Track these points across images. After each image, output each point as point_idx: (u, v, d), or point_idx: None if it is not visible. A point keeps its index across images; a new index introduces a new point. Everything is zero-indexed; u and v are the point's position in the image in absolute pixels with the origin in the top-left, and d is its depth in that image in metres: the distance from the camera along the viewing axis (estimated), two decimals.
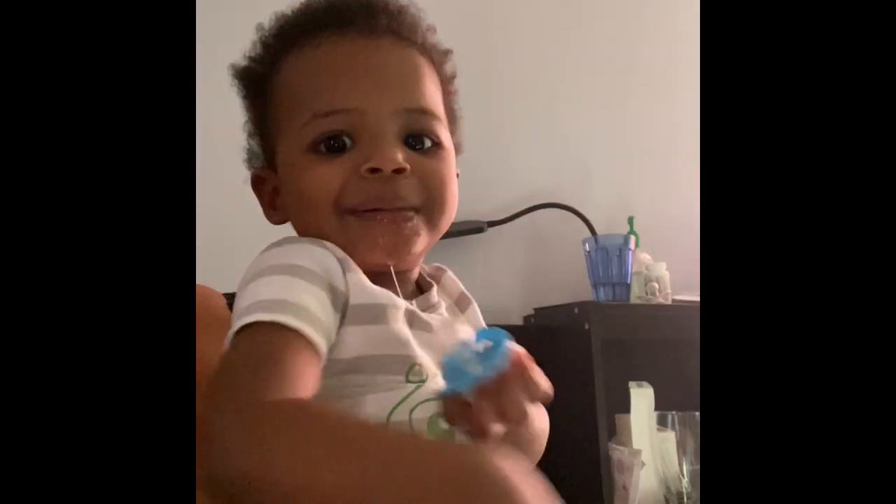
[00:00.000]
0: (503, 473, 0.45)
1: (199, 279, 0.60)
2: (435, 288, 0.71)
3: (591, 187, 1.81)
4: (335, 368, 0.57)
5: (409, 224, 0.64)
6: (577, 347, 1.48)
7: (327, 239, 0.64)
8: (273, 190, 0.70)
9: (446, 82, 0.72)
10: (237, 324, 0.54)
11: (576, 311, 1.51)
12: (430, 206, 0.65)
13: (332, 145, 0.63)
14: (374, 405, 0.58)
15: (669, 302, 1.61)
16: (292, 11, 0.70)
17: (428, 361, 0.61)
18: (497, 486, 0.45)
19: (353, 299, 0.59)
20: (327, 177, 0.63)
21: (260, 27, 0.71)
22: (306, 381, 0.52)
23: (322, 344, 0.55)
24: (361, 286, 0.60)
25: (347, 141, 0.64)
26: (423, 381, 0.59)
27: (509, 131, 1.74)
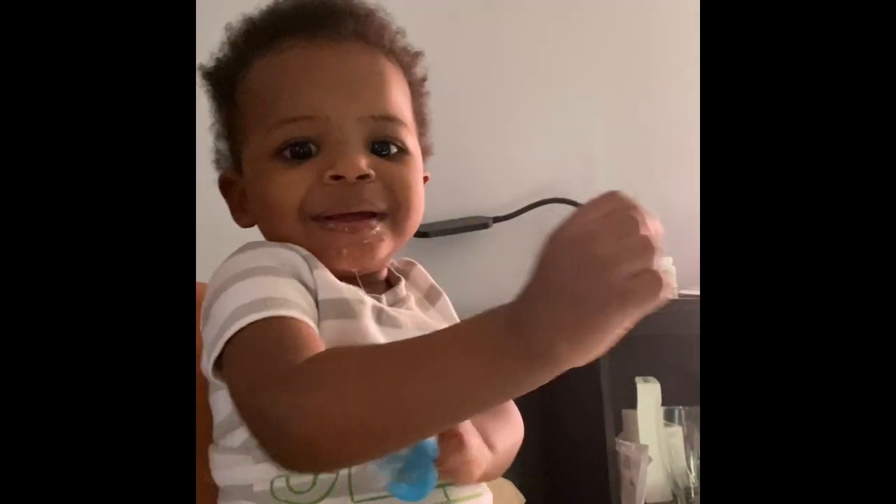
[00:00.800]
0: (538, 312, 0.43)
1: (200, 279, 0.60)
2: (403, 282, 0.71)
3: (596, 182, 1.80)
4: None
5: (373, 232, 0.64)
6: None
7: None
8: (241, 193, 0.70)
9: (415, 85, 0.73)
10: (228, 331, 0.54)
11: None
12: (395, 210, 0.65)
13: (298, 151, 0.64)
14: None
15: (676, 296, 1.60)
16: (259, 13, 0.70)
17: None
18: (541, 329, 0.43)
19: (321, 294, 0.59)
20: (291, 184, 0.63)
21: (228, 27, 0.71)
22: (321, 345, 0.53)
23: (314, 326, 0.56)
24: (328, 282, 0.60)
25: (312, 147, 0.64)
26: None
27: (514, 126, 1.74)
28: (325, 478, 0.56)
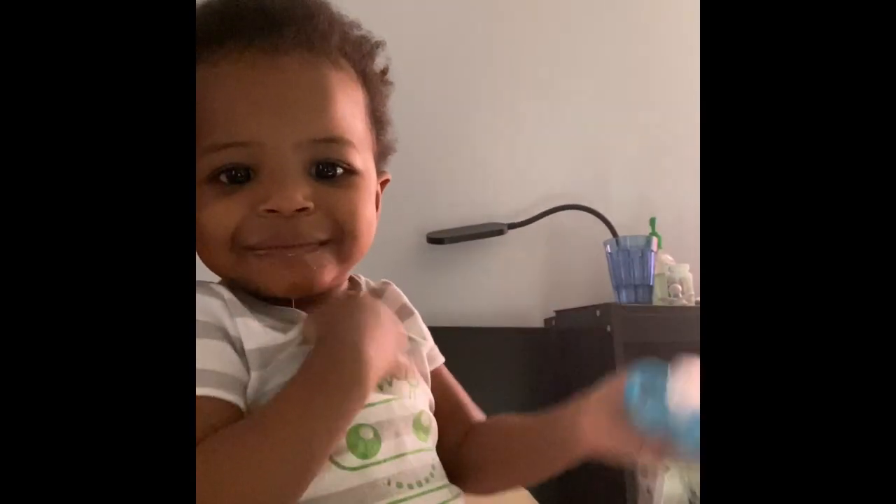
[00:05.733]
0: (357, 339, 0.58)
1: (199, 279, 0.59)
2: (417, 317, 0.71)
3: (611, 188, 1.80)
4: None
5: (313, 256, 0.61)
6: (599, 350, 1.47)
7: (226, 274, 0.63)
8: None
9: (371, 83, 0.67)
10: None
11: (597, 313, 1.50)
12: (340, 238, 0.62)
13: (234, 176, 0.60)
14: None
15: (693, 304, 1.59)
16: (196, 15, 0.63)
17: None
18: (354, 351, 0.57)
19: (246, 345, 0.57)
20: (224, 214, 0.59)
21: None
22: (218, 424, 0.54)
23: (228, 394, 0.55)
24: (249, 330, 0.58)
25: (250, 171, 0.60)
26: None
27: (528, 134, 1.74)
28: None
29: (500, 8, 1.76)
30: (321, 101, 0.61)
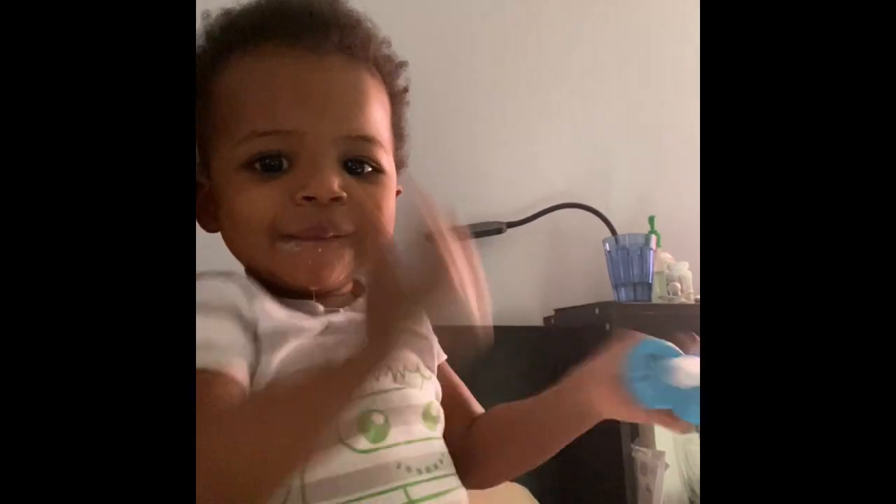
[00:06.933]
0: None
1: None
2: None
3: (610, 187, 1.80)
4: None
5: (334, 249, 0.63)
6: (599, 348, 1.47)
7: (253, 261, 0.64)
8: (206, 195, 0.67)
9: (396, 97, 0.71)
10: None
11: (597, 311, 1.50)
12: (363, 234, 0.64)
13: (268, 164, 0.62)
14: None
15: (692, 302, 1.59)
16: (241, 9, 0.67)
17: None
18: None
19: (261, 326, 0.58)
20: (261, 202, 0.62)
21: (206, 15, 0.68)
22: (227, 395, 0.54)
23: (233, 366, 0.55)
24: (266, 313, 0.59)
25: (284, 162, 0.62)
26: None
27: (528, 132, 1.74)
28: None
29: (500, 7, 1.75)
30: (360, 102, 0.65)
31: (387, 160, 0.67)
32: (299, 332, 0.60)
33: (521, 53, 1.76)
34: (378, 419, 0.60)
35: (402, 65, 0.72)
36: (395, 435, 0.61)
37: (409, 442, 0.61)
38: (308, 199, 0.61)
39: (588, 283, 1.69)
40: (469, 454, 0.70)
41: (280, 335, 0.59)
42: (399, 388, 0.64)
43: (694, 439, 1.41)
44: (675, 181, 1.83)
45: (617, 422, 1.42)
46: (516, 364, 1.56)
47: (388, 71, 0.70)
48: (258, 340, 0.58)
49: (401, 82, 0.72)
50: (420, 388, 0.66)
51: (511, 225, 1.65)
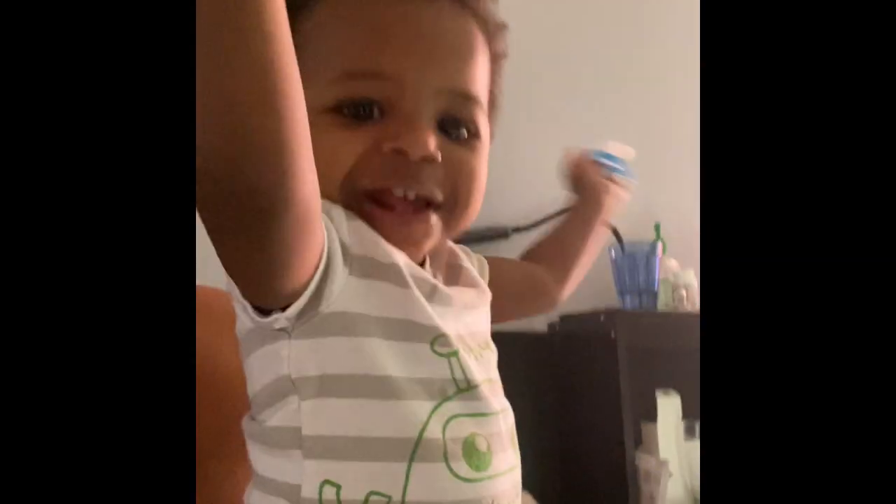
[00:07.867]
0: None
1: (199, 279, 0.59)
2: (463, 258, 0.67)
3: None
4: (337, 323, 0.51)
5: (423, 227, 0.57)
6: (603, 356, 1.47)
7: None
8: None
9: (496, 62, 0.64)
10: None
11: (602, 318, 1.50)
12: (453, 203, 0.58)
13: (358, 112, 0.55)
14: (397, 368, 0.52)
15: (697, 310, 1.59)
16: None
17: (451, 333, 0.55)
18: None
19: (355, 249, 0.52)
20: (344, 146, 0.54)
21: None
22: None
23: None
24: (372, 239, 0.53)
25: (376, 111, 0.55)
26: (455, 353, 0.54)
27: (533, 136, 1.74)
28: (376, 499, 0.51)
29: (501, 9, 1.76)
30: (467, 53, 0.58)
31: (485, 124, 0.60)
32: (386, 271, 0.54)
33: (528, 59, 1.76)
34: (482, 445, 0.55)
35: (504, 27, 0.65)
36: (496, 464, 0.55)
37: (502, 474, 0.56)
38: (397, 151, 0.54)
39: (593, 290, 1.69)
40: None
41: (391, 269, 0.53)
42: (495, 413, 0.57)
43: (697, 448, 1.41)
44: (682, 188, 1.82)
45: (620, 430, 1.43)
46: (521, 370, 1.56)
47: (494, 30, 0.63)
48: (351, 262, 0.52)
49: (501, 46, 0.64)
50: (494, 379, 0.60)
51: (517, 230, 1.65)
